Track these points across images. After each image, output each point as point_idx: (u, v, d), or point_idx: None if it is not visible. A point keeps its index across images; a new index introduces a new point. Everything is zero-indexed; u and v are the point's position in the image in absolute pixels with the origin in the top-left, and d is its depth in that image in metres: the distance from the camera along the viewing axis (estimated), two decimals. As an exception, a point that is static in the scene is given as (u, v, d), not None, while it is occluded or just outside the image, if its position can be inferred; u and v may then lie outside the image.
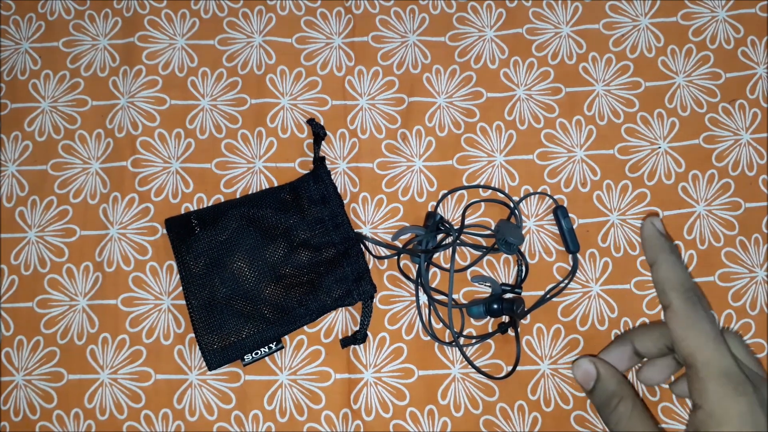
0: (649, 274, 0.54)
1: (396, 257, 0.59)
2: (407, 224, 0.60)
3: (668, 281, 0.44)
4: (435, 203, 0.60)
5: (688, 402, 0.53)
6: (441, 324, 0.58)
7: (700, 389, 0.38)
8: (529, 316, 0.58)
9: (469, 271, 0.59)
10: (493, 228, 0.59)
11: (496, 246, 0.58)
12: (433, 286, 0.58)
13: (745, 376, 0.37)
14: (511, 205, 0.60)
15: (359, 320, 0.57)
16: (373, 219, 0.60)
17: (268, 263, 0.57)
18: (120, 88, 0.63)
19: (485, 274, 0.59)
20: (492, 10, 0.64)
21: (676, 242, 0.59)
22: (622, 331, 0.57)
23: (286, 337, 0.57)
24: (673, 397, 0.56)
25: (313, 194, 0.58)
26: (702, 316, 0.41)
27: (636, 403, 0.45)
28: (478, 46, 0.64)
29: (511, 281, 0.59)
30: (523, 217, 0.60)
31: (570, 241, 0.58)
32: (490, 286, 0.58)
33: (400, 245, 0.59)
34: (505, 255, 0.59)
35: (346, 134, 0.62)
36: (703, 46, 0.63)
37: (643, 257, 0.58)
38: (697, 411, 0.38)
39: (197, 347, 0.56)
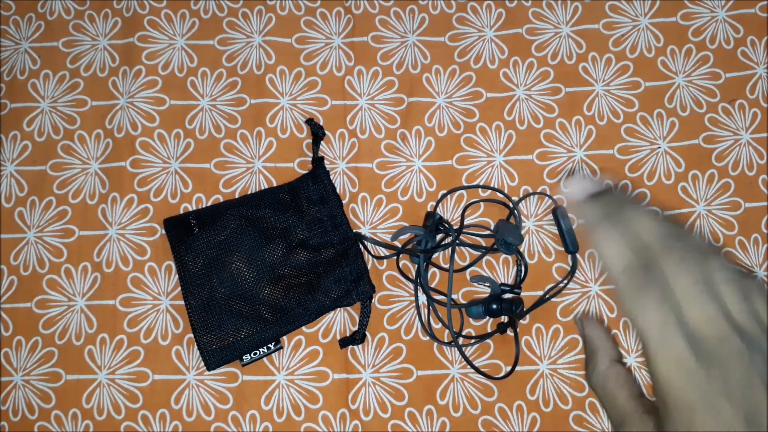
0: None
1: (395, 257, 0.59)
2: (406, 224, 0.60)
3: (605, 258, 0.38)
4: (434, 203, 0.60)
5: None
6: (440, 324, 0.57)
7: (651, 372, 0.36)
8: (528, 316, 0.58)
9: (468, 271, 0.59)
10: (492, 228, 0.59)
11: (495, 246, 0.58)
12: (432, 286, 0.58)
13: (697, 360, 0.36)
14: (511, 205, 0.59)
15: (358, 320, 0.57)
16: (373, 219, 0.60)
17: (266, 263, 0.57)
18: (120, 88, 0.63)
19: (484, 274, 0.59)
20: (492, 10, 0.64)
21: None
22: (621, 331, 0.57)
23: (284, 337, 0.57)
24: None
25: (312, 194, 0.58)
26: (647, 298, 0.36)
27: (609, 371, 0.40)
28: (478, 46, 0.63)
29: (510, 281, 0.59)
30: (523, 218, 0.60)
31: (569, 242, 0.58)
32: (489, 286, 0.58)
33: (400, 245, 0.59)
34: (504, 255, 0.59)
35: (345, 134, 0.61)
36: (702, 46, 0.63)
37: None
38: (656, 397, 0.36)
39: (195, 348, 0.56)
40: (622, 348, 0.57)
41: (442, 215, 0.60)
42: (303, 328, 0.57)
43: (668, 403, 0.37)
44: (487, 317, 0.57)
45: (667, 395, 0.37)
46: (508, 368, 0.57)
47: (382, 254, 0.59)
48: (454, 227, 0.59)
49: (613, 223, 0.41)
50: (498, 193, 0.60)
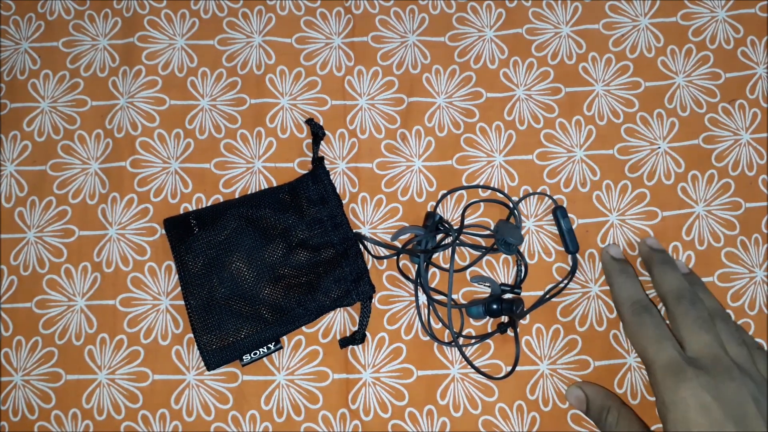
0: (648, 275, 0.55)
1: (395, 257, 0.59)
2: (406, 224, 0.60)
3: (618, 299, 0.53)
4: (434, 203, 0.60)
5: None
6: (440, 324, 0.57)
7: (653, 383, 0.43)
8: (528, 316, 0.58)
9: (468, 271, 0.59)
10: (492, 228, 0.59)
11: (495, 246, 0.58)
12: (432, 286, 0.58)
13: (685, 364, 0.42)
14: (511, 205, 0.59)
15: (358, 320, 0.57)
16: (373, 219, 0.60)
17: (266, 263, 0.57)
18: (120, 88, 0.63)
19: (484, 274, 0.59)
20: (492, 10, 0.64)
21: (675, 243, 0.59)
22: (621, 331, 0.57)
23: (284, 337, 0.57)
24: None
25: (312, 194, 0.58)
26: (646, 323, 0.48)
27: (621, 411, 0.50)
28: (478, 46, 0.63)
29: (510, 281, 0.59)
30: (523, 218, 0.60)
31: (569, 242, 0.58)
32: (489, 287, 0.58)
33: (400, 245, 0.59)
34: (504, 255, 0.59)
35: (345, 134, 0.61)
36: (702, 46, 0.63)
37: (641, 258, 0.58)
38: (657, 403, 0.43)
39: (195, 348, 0.56)
40: (623, 349, 0.57)
41: (442, 215, 0.60)
42: (303, 328, 0.57)
43: (666, 403, 0.41)
44: (487, 317, 0.57)
45: (665, 395, 0.42)
46: (508, 368, 0.57)
47: (382, 254, 0.59)
48: (454, 227, 0.59)
49: (624, 272, 0.51)
50: (498, 193, 0.60)
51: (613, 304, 0.56)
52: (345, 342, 0.57)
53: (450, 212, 0.60)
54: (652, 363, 0.44)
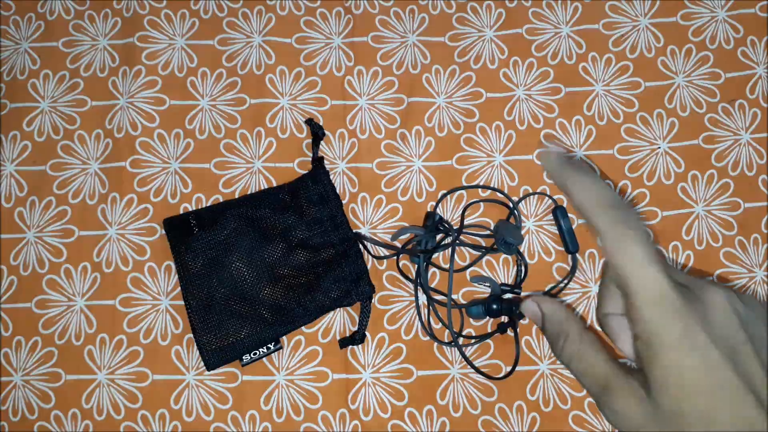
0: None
1: (395, 257, 0.58)
2: (406, 224, 0.60)
3: (588, 203, 0.38)
4: (434, 203, 0.60)
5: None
6: (440, 324, 0.57)
7: (636, 318, 0.35)
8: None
9: (468, 271, 0.59)
10: (492, 228, 0.59)
11: (495, 246, 0.58)
12: (432, 286, 0.58)
13: (680, 297, 0.34)
14: (511, 205, 0.59)
15: (358, 320, 0.57)
16: (372, 219, 0.60)
17: (266, 263, 0.57)
18: (119, 88, 0.63)
19: (484, 274, 0.59)
20: (492, 10, 0.64)
21: (675, 242, 0.59)
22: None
23: (284, 337, 0.57)
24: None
25: (312, 194, 0.58)
26: (631, 238, 0.36)
27: (583, 338, 0.40)
28: (478, 46, 0.63)
29: (510, 281, 0.59)
30: (523, 218, 0.60)
31: (569, 242, 0.58)
32: (489, 287, 0.58)
33: (399, 245, 0.59)
34: (504, 255, 0.59)
35: (345, 134, 0.61)
36: (702, 46, 0.63)
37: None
38: (636, 341, 0.35)
39: (195, 348, 0.56)
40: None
41: (442, 215, 0.60)
42: (303, 328, 0.57)
43: (654, 345, 0.35)
44: (487, 317, 0.57)
45: (652, 335, 0.34)
46: (508, 368, 0.57)
47: (382, 254, 0.59)
48: (454, 227, 0.59)
49: (584, 172, 0.39)
50: (498, 193, 0.60)
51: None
52: (345, 342, 0.56)
53: (450, 212, 0.60)
54: (639, 292, 0.35)
